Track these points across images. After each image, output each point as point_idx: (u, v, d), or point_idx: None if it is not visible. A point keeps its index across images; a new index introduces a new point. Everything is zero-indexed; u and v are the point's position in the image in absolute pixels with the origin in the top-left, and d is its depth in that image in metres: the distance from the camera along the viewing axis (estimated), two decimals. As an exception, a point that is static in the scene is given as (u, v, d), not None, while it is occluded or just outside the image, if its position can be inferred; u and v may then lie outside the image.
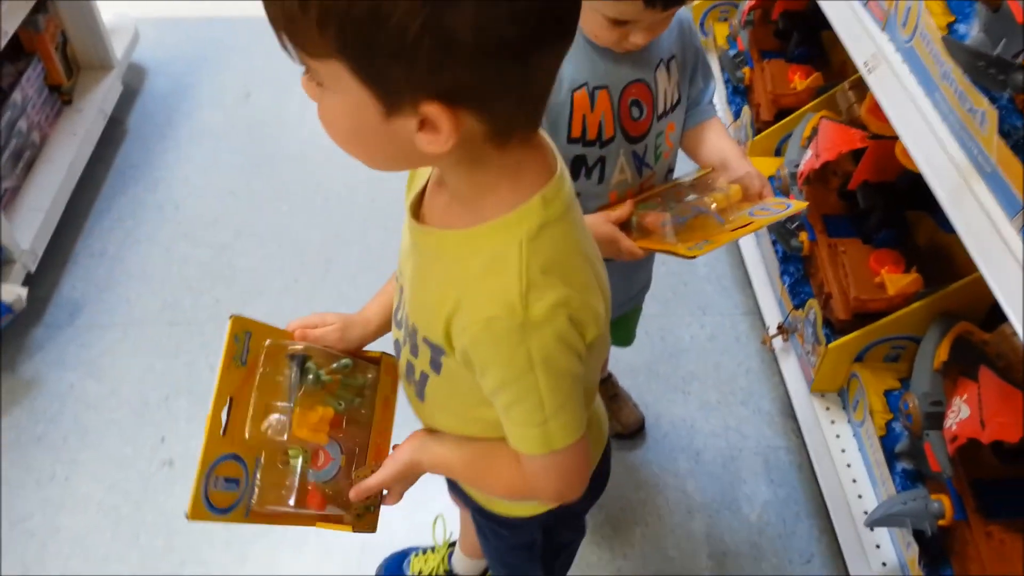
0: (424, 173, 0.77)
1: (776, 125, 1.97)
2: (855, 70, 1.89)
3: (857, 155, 1.59)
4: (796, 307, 1.68)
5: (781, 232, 1.72)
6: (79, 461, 1.71)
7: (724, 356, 1.93)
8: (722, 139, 1.21)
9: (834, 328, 1.57)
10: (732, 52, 2.25)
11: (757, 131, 2.02)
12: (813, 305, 1.58)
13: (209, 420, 0.78)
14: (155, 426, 1.76)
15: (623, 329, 1.56)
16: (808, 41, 2.10)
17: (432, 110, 0.57)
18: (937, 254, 1.58)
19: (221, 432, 0.79)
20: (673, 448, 1.75)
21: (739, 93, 2.22)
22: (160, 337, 1.93)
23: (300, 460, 0.84)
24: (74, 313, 1.98)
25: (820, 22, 2.07)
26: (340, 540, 1.59)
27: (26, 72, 2.13)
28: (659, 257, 1.22)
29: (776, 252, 1.79)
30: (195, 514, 0.76)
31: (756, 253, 1.94)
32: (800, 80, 1.97)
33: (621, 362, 1.84)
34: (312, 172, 2.37)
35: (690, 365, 1.91)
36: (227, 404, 0.80)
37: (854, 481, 1.50)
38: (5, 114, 2.00)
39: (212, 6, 2.97)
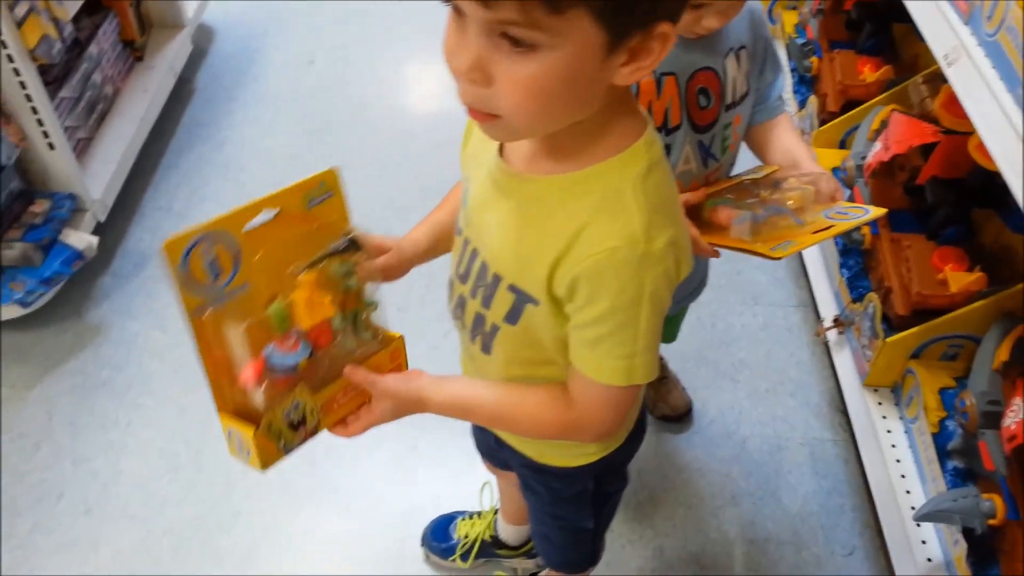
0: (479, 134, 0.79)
1: (842, 117, 1.95)
2: (928, 64, 1.87)
3: (926, 150, 1.57)
4: (854, 300, 1.67)
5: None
6: (142, 407, 1.77)
7: (775, 346, 1.93)
8: (792, 138, 1.19)
9: (892, 323, 1.56)
10: (800, 41, 2.23)
11: (822, 122, 2.00)
12: (873, 299, 1.58)
13: (259, 199, 0.73)
14: (215, 378, 1.81)
15: (671, 325, 1.57)
16: (879, 33, 2.07)
17: (666, 28, 0.62)
18: (1002, 254, 1.56)
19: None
20: (719, 434, 1.76)
21: (805, 83, 2.20)
22: (222, 293, 1.98)
23: (280, 314, 0.75)
24: (140, 264, 2.03)
25: (893, 14, 2.05)
26: (389, 502, 1.63)
27: (102, 26, 2.18)
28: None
29: (836, 244, 1.78)
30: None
31: (815, 247, 1.93)
32: (870, 72, 1.95)
33: (671, 347, 1.84)
34: (370, 140, 2.40)
35: (740, 353, 1.91)
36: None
37: (903, 476, 1.51)
38: (82, 66, 2.05)
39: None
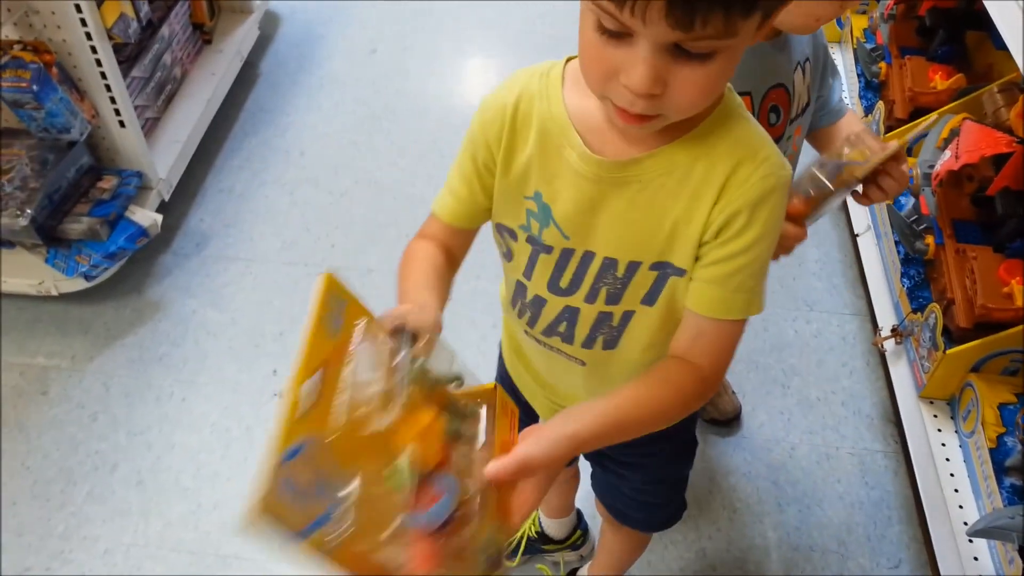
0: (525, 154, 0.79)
1: (910, 124, 1.91)
2: (1003, 73, 1.83)
3: (999, 161, 1.53)
4: (914, 311, 1.64)
5: (905, 233, 1.68)
6: (196, 383, 1.80)
7: (828, 354, 1.90)
8: (857, 126, 1.18)
9: (953, 336, 1.53)
10: (870, 46, 2.19)
11: (889, 128, 1.96)
12: (935, 310, 1.54)
13: (293, 387, 0.56)
14: (269, 358, 1.84)
15: None
16: (952, 41, 2.03)
17: None
18: (1072, 271, 1.52)
19: (298, 414, 0.56)
20: (768, 440, 1.74)
21: (872, 88, 2.16)
22: (278, 275, 2.01)
23: (407, 472, 0.61)
24: (201, 244, 2.08)
25: (967, 22, 2.01)
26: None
27: (174, 8, 2.23)
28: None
29: (898, 253, 1.75)
30: (267, 508, 0.52)
31: (875, 252, 1.89)
32: (941, 80, 1.91)
33: (723, 347, 1.84)
34: (429, 130, 2.41)
35: (792, 359, 1.89)
36: (314, 376, 0.58)
37: (956, 491, 1.47)
38: (154, 46, 2.10)
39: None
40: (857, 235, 2.00)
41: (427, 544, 0.61)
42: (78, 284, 1.84)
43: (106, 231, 1.84)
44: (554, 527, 1.51)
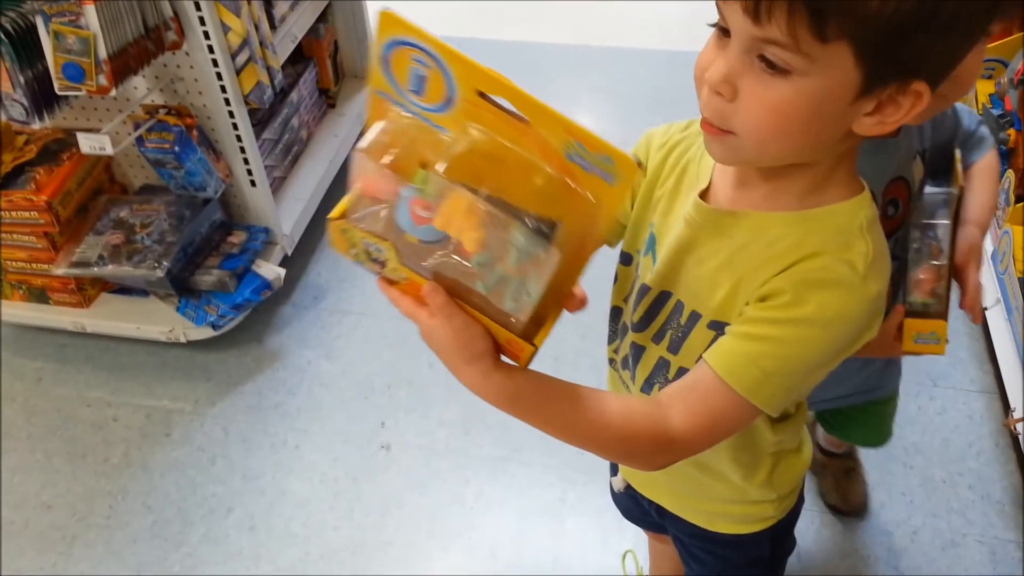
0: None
1: (1041, 195, 1.83)
2: None
3: None
4: (1050, 391, 1.55)
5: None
6: (309, 432, 1.86)
7: (953, 433, 1.80)
8: (980, 194, 1.10)
9: (1095, 420, 1.43)
10: (997, 112, 2.11)
11: (1019, 198, 1.88)
12: (1074, 392, 1.45)
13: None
14: (378, 410, 1.89)
15: (876, 418, 1.44)
16: (1089, 107, 1.94)
17: (921, 87, 0.62)
18: None
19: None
20: (889, 521, 1.65)
21: (1001, 156, 2.07)
22: (390, 329, 2.07)
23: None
24: (318, 297, 2.16)
25: (1107, 88, 1.91)
26: (534, 551, 1.63)
27: (304, 75, 2.36)
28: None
29: (1031, 329, 1.66)
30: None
31: (1006, 330, 1.80)
32: (1077, 148, 1.82)
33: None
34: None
35: (914, 437, 1.80)
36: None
37: (1101, 592, 1.36)
38: (283, 111, 2.22)
39: (474, 28, 3.15)
40: (986, 308, 1.90)
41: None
42: (205, 333, 1.94)
43: (234, 283, 1.93)
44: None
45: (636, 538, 1.54)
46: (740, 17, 0.60)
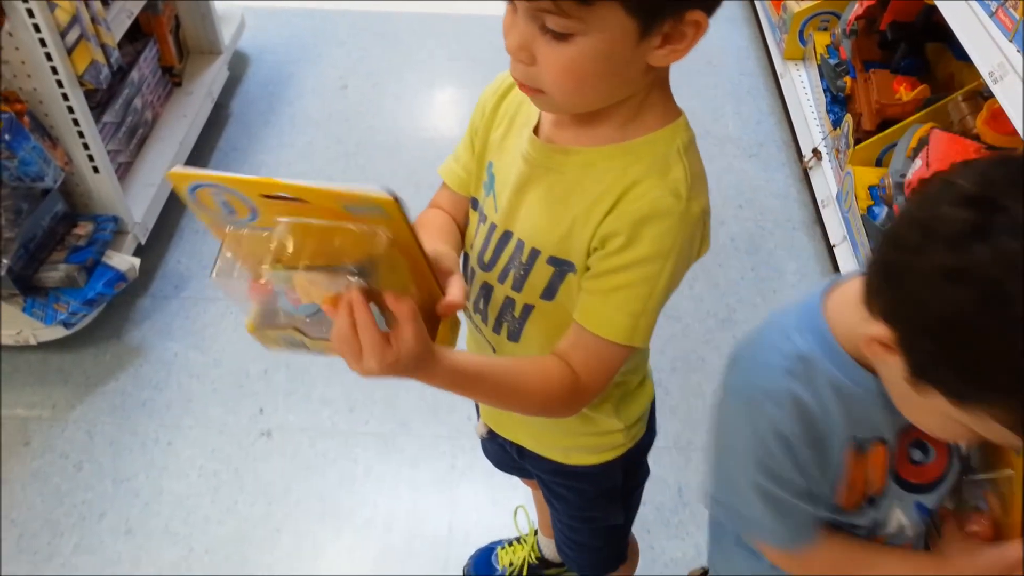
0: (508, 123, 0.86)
1: (879, 135, 1.95)
2: (965, 82, 1.87)
3: (969, 167, 1.57)
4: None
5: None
6: (181, 427, 1.78)
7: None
8: None
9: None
10: (833, 61, 2.24)
11: (857, 141, 2.00)
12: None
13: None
14: (255, 397, 1.82)
15: None
16: (914, 53, 2.08)
17: (697, 16, 0.67)
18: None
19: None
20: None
21: (838, 102, 2.21)
22: (260, 313, 1.99)
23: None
24: (179, 286, 2.06)
25: (927, 34, 2.06)
26: (427, 532, 1.63)
27: (143, 53, 2.22)
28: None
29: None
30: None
31: (853, 263, 1.92)
32: (906, 91, 1.95)
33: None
34: (405, 162, 2.42)
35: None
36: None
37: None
38: (124, 91, 2.09)
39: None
40: (834, 246, 2.03)
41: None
42: (57, 332, 1.81)
43: (83, 277, 1.81)
44: (552, 549, 1.50)
45: (526, 495, 1.56)
46: None
